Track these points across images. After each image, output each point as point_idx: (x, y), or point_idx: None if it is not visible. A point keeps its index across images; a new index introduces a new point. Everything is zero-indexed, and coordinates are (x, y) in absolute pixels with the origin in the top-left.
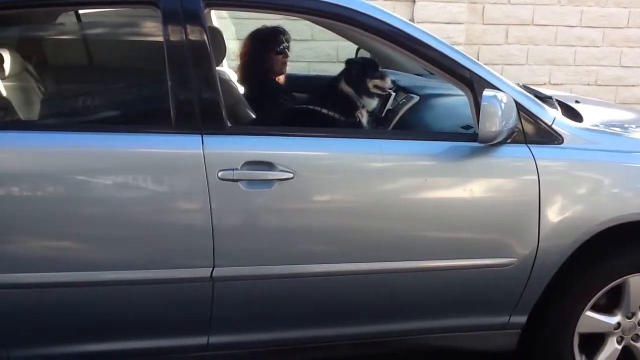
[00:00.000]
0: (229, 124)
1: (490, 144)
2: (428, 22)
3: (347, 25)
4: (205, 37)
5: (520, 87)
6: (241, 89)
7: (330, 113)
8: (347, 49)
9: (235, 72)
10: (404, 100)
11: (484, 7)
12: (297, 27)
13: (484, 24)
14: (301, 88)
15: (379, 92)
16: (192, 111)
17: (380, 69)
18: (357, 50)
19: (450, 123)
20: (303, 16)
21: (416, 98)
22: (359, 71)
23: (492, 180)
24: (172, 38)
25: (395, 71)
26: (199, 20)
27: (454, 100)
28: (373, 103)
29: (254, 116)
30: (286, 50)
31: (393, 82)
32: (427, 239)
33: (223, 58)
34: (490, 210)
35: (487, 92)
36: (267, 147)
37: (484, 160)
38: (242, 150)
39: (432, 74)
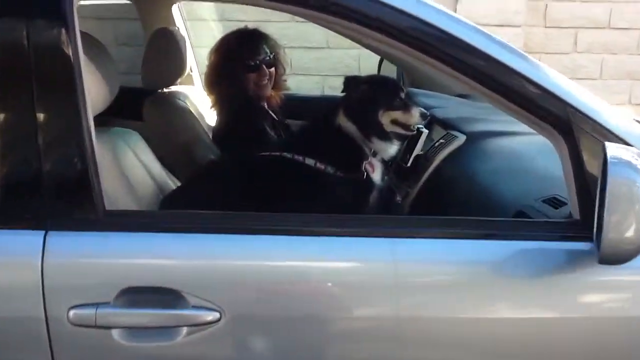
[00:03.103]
0: (105, 207)
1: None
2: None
3: (334, 18)
4: (71, 50)
5: None
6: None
7: (320, 165)
8: (372, 59)
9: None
10: (441, 141)
11: (546, 6)
12: (308, 32)
13: (546, 26)
14: (305, 114)
15: (400, 131)
16: (27, 186)
17: (402, 94)
18: (380, 62)
19: (521, 187)
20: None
21: (461, 138)
22: (365, 98)
23: (615, 322)
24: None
25: (427, 92)
26: (59, 19)
27: (524, 141)
28: (391, 148)
29: (213, 157)
30: (263, 66)
31: (424, 115)
32: None
33: (176, 77)
34: None
35: (613, 151)
36: (170, 255)
37: (596, 282)
38: (121, 262)
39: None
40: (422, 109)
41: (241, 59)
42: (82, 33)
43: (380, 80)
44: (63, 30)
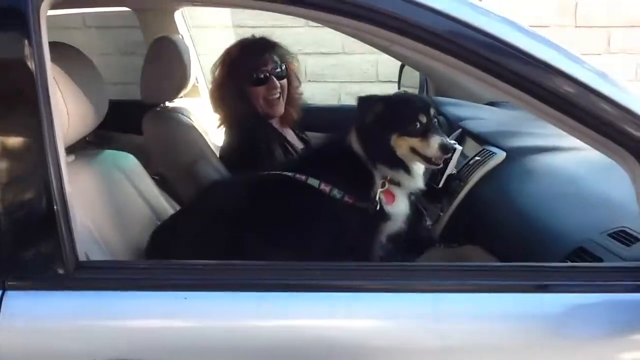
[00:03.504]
0: (78, 258)
1: None
2: None
3: (352, 21)
4: (35, 65)
5: None
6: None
7: (325, 187)
8: (391, 64)
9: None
10: (477, 158)
11: (577, 4)
12: (323, 38)
13: (576, 26)
14: (321, 126)
15: (419, 161)
16: None
17: (422, 118)
18: (401, 68)
19: (578, 216)
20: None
21: (499, 155)
22: (377, 120)
23: None
24: None
25: (456, 101)
26: (19, 29)
27: (576, 159)
28: (408, 179)
29: (217, 177)
30: (272, 78)
31: (444, 147)
32: None
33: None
34: None
35: None
36: (159, 319)
37: None
38: (97, 330)
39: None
40: (446, 140)
41: (246, 72)
42: (60, 45)
43: (399, 100)
44: (25, 43)
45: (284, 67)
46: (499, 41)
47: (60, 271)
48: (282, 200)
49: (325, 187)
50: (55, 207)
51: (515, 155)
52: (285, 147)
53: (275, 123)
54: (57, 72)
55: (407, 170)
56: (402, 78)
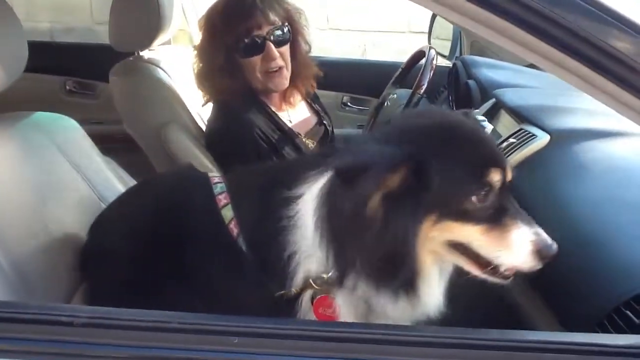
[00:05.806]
0: None
1: None
2: None
3: None
4: None
5: None
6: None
7: (234, 228)
8: (424, 11)
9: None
10: (512, 140)
11: None
12: None
13: None
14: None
15: (468, 268)
16: None
17: (499, 175)
18: (432, 18)
19: None
20: None
21: (542, 138)
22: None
23: None
24: None
25: (494, 62)
26: None
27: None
28: (408, 307)
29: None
30: (269, 43)
31: (542, 246)
32: None
33: None
34: None
35: None
36: None
37: None
38: None
39: None
40: (542, 233)
41: (234, 37)
42: None
43: (450, 139)
44: None
45: (286, 28)
46: None
47: None
48: (182, 224)
49: (234, 228)
50: None
51: (564, 140)
52: (284, 133)
53: (275, 101)
54: None
55: (414, 289)
56: (433, 29)
